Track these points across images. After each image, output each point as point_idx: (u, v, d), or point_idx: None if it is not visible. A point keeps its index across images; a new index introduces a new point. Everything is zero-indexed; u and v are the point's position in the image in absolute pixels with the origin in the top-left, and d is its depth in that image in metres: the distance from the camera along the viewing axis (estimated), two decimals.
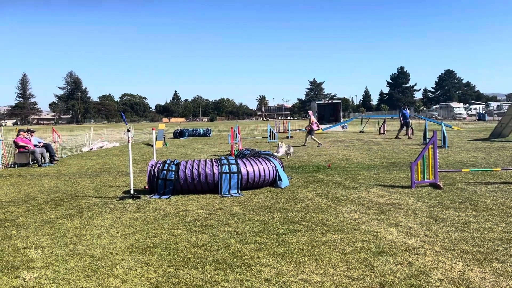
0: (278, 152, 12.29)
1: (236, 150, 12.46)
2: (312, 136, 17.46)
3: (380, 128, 26.36)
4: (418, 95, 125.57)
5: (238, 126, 16.46)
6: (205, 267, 3.90)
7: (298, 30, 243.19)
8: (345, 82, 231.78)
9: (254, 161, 7.75)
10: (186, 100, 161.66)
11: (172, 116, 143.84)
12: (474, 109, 71.38)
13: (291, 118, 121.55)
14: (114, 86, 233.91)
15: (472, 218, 5.35)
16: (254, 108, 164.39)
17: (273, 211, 5.97)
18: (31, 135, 13.58)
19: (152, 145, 14.13)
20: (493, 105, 68.06)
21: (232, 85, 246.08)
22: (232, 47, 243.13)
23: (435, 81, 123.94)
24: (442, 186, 7.32)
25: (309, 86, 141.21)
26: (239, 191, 7.34)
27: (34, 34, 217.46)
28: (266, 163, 7.80)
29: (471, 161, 11.01)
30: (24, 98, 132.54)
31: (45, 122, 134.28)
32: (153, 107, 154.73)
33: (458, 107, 69.17)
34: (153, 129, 9.78)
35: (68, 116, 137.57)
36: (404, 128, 21.45)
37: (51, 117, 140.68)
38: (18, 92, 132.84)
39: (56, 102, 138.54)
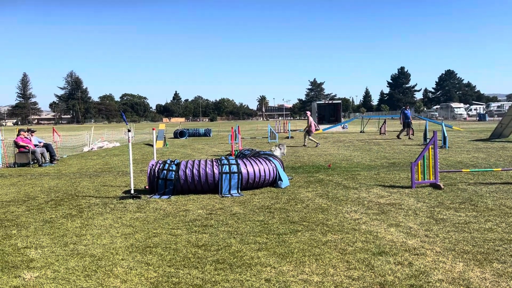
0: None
1: (237, 150, 12.46)
2: (310, 137, 17.56)
3: (380, 128, 26.37)
4: (418, 96, 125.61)
5: (238, 126, 16.48)
6: (205, 267, 3.90)
7: (298, 30, 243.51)
8: (345, 82, 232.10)
9: (255, 161, 7.75)
10: (186, 100, 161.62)
11: (172, 116, 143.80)
12: (474, 109, 71.26)
13: (292, 118, 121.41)
14: (114, 86, 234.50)
15: (472, 218, 5.35)
16: (255, 108, 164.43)
17: (273, 211, 5.97)
18: (32, 135, 13.59)
19: (152, 145, 14.14)
20: (494, 106, 67.92)
21: (232, 85, 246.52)
22: (232, 47, 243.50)
23: (436, 82, 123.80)
24: (442, 187, 7.32)
25: (310, 86, 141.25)
26: (239, 191, 7.33)
27: (34, 34, 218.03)
28: (266, 163, 7.80)
29: (472, 161, 11.01)
30: (25, 98, 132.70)
31: (45, 122, 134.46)
32: (154, 107, 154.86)
33: (459, 108, 69.07)
34: (153, 129, 9.79)
35: (69, 116, 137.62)
36: (406, 129, 21.46)
37: (52, 117, 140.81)
38: (19, 92, 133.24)
39: (57, 102, 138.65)
